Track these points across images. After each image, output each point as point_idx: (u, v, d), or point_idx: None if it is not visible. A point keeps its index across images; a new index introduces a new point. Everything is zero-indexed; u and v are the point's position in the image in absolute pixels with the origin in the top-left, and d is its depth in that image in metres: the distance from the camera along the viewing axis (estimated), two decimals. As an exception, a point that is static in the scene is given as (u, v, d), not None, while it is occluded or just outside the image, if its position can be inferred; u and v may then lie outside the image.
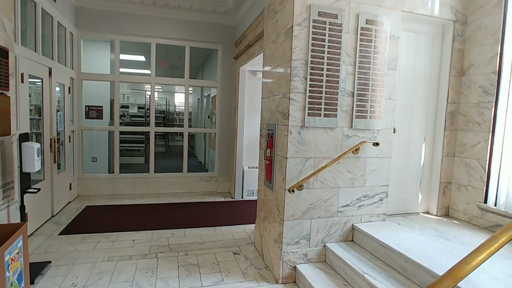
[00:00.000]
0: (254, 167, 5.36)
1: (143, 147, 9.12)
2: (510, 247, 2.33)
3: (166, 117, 12.91)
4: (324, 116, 2.62)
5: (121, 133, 5.63)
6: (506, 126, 2.68)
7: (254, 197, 5.33)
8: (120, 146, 5.68)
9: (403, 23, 2.86)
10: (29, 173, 2.88)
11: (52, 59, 4.16)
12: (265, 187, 3.09)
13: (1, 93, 2.68)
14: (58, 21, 4.31)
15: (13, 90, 2.98)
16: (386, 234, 2.57)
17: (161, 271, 2.82)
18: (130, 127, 8.12)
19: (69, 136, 4.83)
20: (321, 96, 2.60)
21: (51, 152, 4.04)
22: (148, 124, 5.88)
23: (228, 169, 5.89)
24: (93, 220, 4.07)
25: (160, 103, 13.82)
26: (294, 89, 2.54)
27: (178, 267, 2.91)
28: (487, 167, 2.79)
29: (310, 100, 2.57)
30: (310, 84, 2.56)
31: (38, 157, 2.85)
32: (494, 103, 2.75)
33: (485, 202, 2.80)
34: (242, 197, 5.40)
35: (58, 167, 4.38)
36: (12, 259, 1.85)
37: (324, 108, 2.62)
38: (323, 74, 2.58)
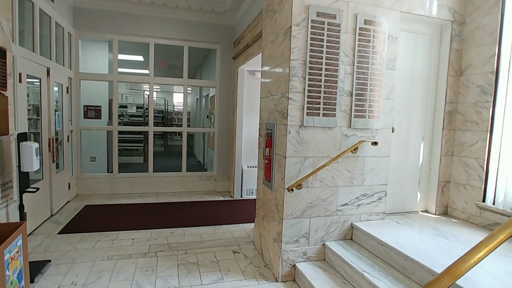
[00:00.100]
0: (253, 167, 5.37)
1: (142, 146, 9.11)
2: (508, 245, 2.35)
3: (165, 117, 12.89)
4: (323, 116, 2.63)
5: (120, 132, 5.63)
6: (504, 125, 2.70)
7: (253, 196, 5.34)
8: (119, 146, 5.67)
9: (401, 24, 2.87)
10: (28, 172, 2.88)
11: (50, 59, 4.15)
12: (264, 186, 3.10)
13: None
14: (56, 21, 4.30)
15: (11, 90, 2.97)
16: (385, 233, 2.58)
17: (161, 269, 2.83)
18: (129, 126, 8.10)
19: (68, 136, 4.83)
20: (320, 96, 2.61)
21: (49, 151, 4.03)
22: (146, 124, 5.88)
23: (227, 169, 5.90)
24: (92, 219, 4.06)
25: (159, 103, 13.79)
26: (293, 88, 2.55)
27: (178, 265, 2.91)
28: (485, 166, 2.81)
29: (309, 99, 2.58)
30: (308, 84, 2.57)
31: (37, 156, 2.85)
32: (492, 103, 2.77)
33: (484, 200, 2.82)
34: (241, 196, 5.41)
35: (57, 167, 4.38)
36: (11, 258, 1.85)
37: (323, 107, 2.63)
38: (321, 74, 2.59)
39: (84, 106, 5.56)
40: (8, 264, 1.81)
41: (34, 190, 2.91)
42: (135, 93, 12.67)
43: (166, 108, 13.42)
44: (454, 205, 3.11)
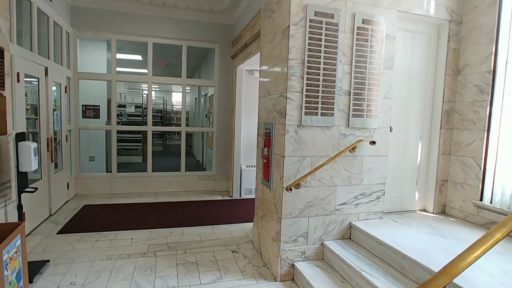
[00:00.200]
0: (251, 166, 5.37)
1: (140, 146, 9.10)
2: (505, 243, 2.37)
3: (164, 116, 12.88)
4: (321, 115, 2.64)
5: (119, 132, 5.62)
6: (501, 124, 2.71)
7: (252, 196, 5.35)
8: (118, 145, 5.67)
9: (399, 23, 2.88)
10: (26, 172, 2.88)
11: (48, 59, 4.14)
12: (262, 186, 3.10)
13: (-2, 92, 2.67)
14: (54, 20, 4.29)
15: (9, 89, 2.97)
16: (383, 232, 2.59)
17: (160, 269, 2.83)
18: (128, 126, 8.09)
19: (66, 136, 4.82)
20: (318, 95, 2.61)
21: (48, 151, 4.03)
22: (145, 123, 5.86)
23: (226, 168, 5.90)
24: (91, 219, 4.06)
25: (158, 102, 13.78)
26: (291, 88, 2.55)
27: (177, 265, 2.92)
28: (482, 165, 2.82)
29: (307, 99, 2.59)
30: (307, 83, 2.57)
31: (35, 156, 2.85)
32: (489, 102, 2.78)
33: (481, 199, 2.84)
34: (240, 196, 5.42)
35: (56, 167, 4.37)
36: (10, 258, 1.85)
37: (321, 107, 2.63)
38: (319, 73, 2.60)
39: (82, 105, 5.55)
40: (7, 264, 1.81)
41: (33, 190, 2.91)
42: (133, 92, 12.65)
43: (165, 107, 13.40)
44: (451, 204, 3.12)
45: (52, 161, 4.13)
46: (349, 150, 2.70)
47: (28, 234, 3.50)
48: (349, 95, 2.71)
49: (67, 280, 2.59)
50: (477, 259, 1.32)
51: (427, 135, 3.20)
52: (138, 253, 3.13)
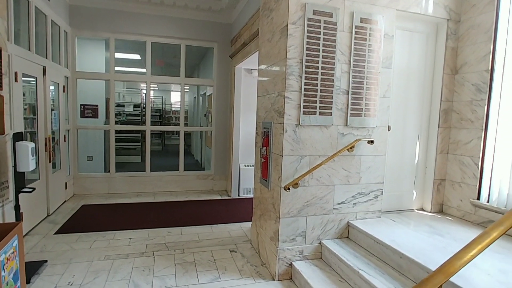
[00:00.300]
0: (250, 165, 5.37)
1: (139, 145, 9.09)
2: (502, 242, 2.37)
3: (162, 116, 12.86)
4: (319, 114, 2.64)
5: (117, 132, 5.60)
6: (499, 123, 2.71)
7: (251, 195, 5.35)
8: (116, 145, 5.65)
9: (397, 22, 2.88)
10: (24, 172, 2.87)
11: (46, 58, 4.13)
12: (261, 185, 3.10)
13: (-5, 92, 2.66)
14: (52, 20, 4.27)
15: (6, 89, 2.96)
16: (381, 231, 2.60)
17: (158, 269, 2.83)
18: (126, 126, 8.08)
19: (64, 135, 4.80)
20: (316, 95, 2.61)
21: (46, 151, 4.02)
22: (144, 123, 5.86)
23: (225, 168, 5.90)
24: (89, 219, 4.06)
25: (156, 102, 13.76)
26: (289, 87, 2.55)
27: (175, 265, 2.92)
28: (480, 164, 2.83)
29: (305, 98, 2.58)
30: (305, 82, 2.57)
31: (33, 156, 2.84)
32: (486, 101, 2.78)
33: (478, 198, 2.84)
34: (238, 195, 5.41)
35: (54, 166, 4.36)
36: (7, 259, 1.85)
37: (319, 106, 2.63)
38: (318, 72, 2.60)
39: (81, 105, 5.53)
40: (4, 264, 1.80)
41: (30, 190, 2.90)
42: (132, 92, 12.63)
43: (164, 107, 13.39)
44: (449, 203, 3.12)
45: (50, 161, 4.12)
46: (347, 149, 2.70)
47: (26, 234, 3.49)
48: (348, 94, 2.71)
49: (65, 280, 2.58)
50: (473, 258, 1.32)
51: (425, 134, 3.20)
52: (136, 253, 3.13)
